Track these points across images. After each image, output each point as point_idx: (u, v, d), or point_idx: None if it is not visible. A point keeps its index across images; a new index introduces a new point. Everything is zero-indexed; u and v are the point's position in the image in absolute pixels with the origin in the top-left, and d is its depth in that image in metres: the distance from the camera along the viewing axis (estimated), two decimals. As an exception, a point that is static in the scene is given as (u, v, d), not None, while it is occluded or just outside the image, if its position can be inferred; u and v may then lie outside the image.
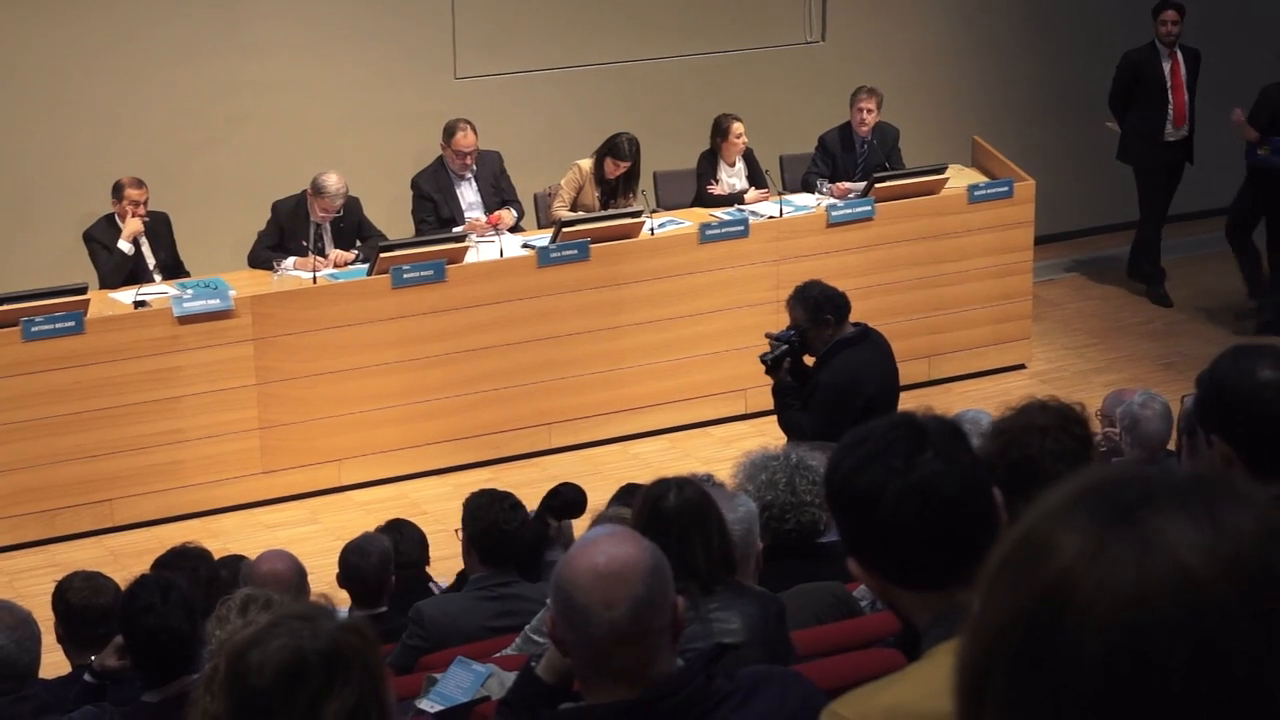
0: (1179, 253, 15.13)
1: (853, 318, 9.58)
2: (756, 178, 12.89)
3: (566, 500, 8.10)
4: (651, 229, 11.96)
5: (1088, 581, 1.42)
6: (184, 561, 7.29)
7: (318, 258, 11.40)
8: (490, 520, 7.21)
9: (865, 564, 2.83)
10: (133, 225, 11.33)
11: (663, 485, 5.32)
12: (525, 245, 11.81)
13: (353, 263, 11.56)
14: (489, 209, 12.23)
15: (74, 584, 6.94)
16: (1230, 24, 15.67)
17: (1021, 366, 13.06)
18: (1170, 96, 14.00)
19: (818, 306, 9.45)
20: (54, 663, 7.00)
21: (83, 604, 6.82)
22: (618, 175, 12.41)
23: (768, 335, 9.67)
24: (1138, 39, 14.15)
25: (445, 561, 9.08)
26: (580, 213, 12.25)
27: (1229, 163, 15.73)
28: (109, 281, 11.24)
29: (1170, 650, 1.39)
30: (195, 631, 5.66)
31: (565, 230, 11.70)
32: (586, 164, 12.47)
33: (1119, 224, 14.65)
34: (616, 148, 12.35)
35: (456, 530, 7.48)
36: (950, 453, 2.81)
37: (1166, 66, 14.02)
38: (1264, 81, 14.71)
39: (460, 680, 5.77)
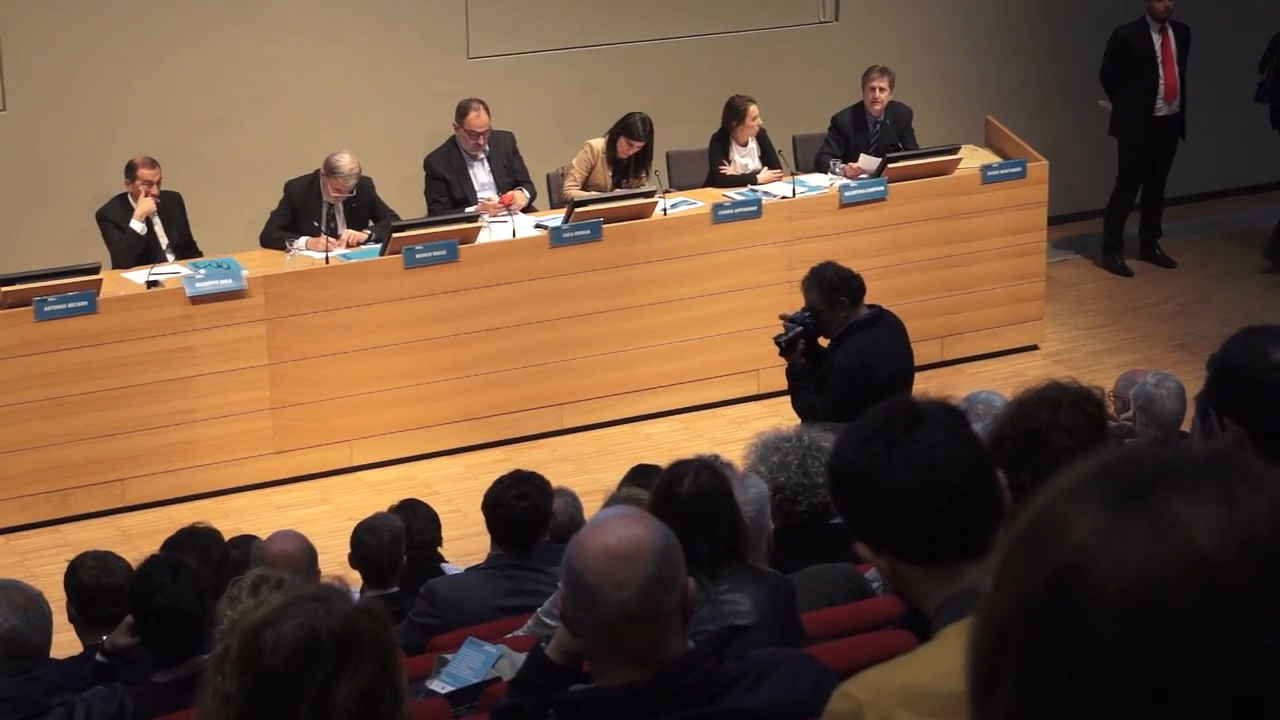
0: (1190, 234, 15.13)
1: (866, 299, 9.56)
2: (769, 158, 12.87)
3: None
4: (664, 209, 11.95)
5: (1101, 562, 1.41)
6: (194, 542, 7.30)
7: (330, 238, 11.41)
8: (494, 498, 7.23)
9: (872, 544, 2.84)
10: (145, 205, 11.33)
11: (681, 469, 5.31)
12: (538, 225, 11.80)
13: (365, 243, 11.56)
14: (501, 189, 12.22)
15: (85, 563, 6.95)
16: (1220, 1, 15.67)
17: (1034, 347, 13.04)
18: (1161, 71, 14.05)
19: (833, 288, 9.42)
20: (66, 642, 7.01)
21: (94, 583, 6.83)
22: (631, 155, 12.40)
23: (782, 317, 9.65)
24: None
25: (457, 542, 9.09)
26: (593, 192, 12.24)
27: (1232, 142, 15.76)
28: (121, 261, 11.24)
29: (1184, 631, 1.38)
30: (205, 612, 5.67)
31: (578, 210, 11.68)
32: (598, 143, 12.46)
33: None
34: (630, 128, 12.34)
35: None
36: (949, 426, 2.84)
37: (1157, 41, 14.07)
38: (1252, 59, 14.76)
39: (471, 661, 5.77)
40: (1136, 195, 14.46)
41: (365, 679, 2.85)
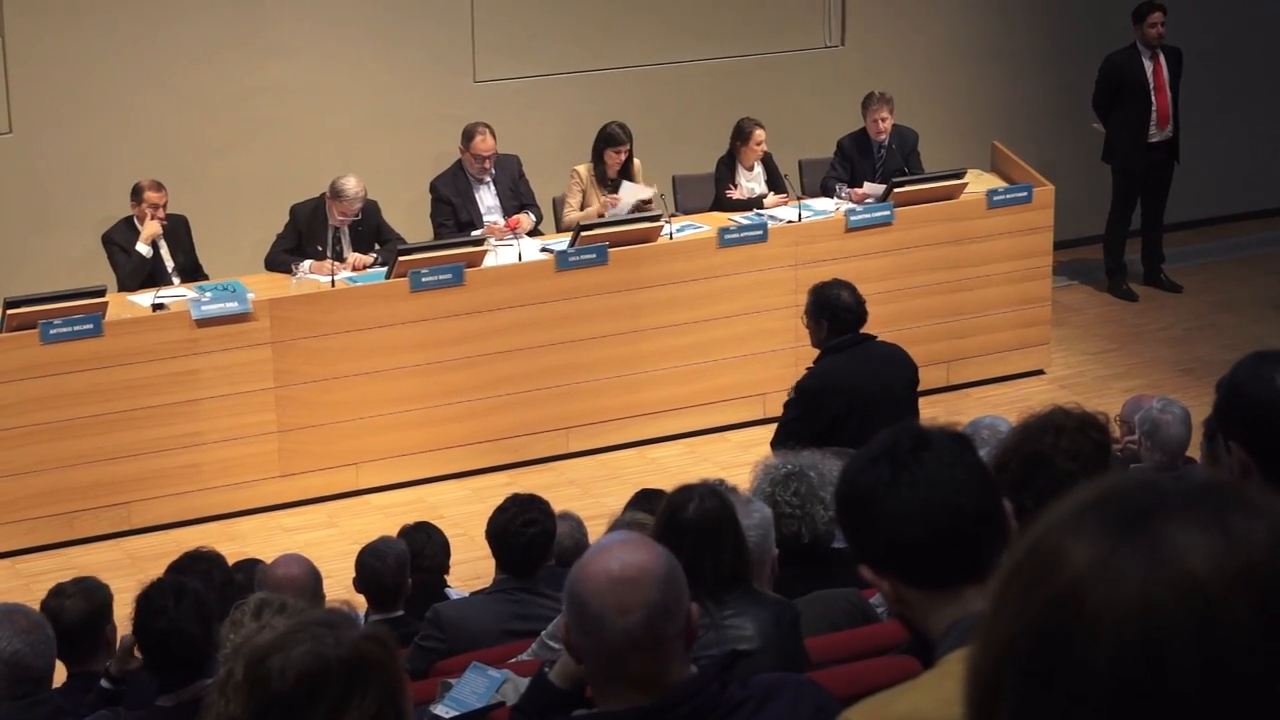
0: (1196, 259, 15.13)
1: (871, 323, 9.52)
2: (775, 182, 12.87)
3: None
4: (670, 233, 11.95)
5: (1098, 590, 1.41)
6: (197, 565, 7.29)
7: (335, 261, 11.41)
8: (502, 527, 7.22)
9: (876, 566, 2.83)
10: (151, 228, 11.34)
11: (686, 494, 5.29)
12: (544, 249, 11.81)
13: (371, 266, 11.57)
14: (507, 213, 12.22)
15: (45, 597, 6.86)
16: (1211, 22, 15.67)
17: (1041, 372, 13.03)
18: (1153, 98, 14.05)
19: (818, 307, 9.45)
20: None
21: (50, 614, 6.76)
22: (620, 165, 12.37)
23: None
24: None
25: (462, 566, 9.08)
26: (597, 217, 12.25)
27: (1237, 167, 15.77)
28: (127, 284, 11.24)
29: (1180, 660, 1.38)
30: (208, 635, 5.66)
31: (584, 234, 11.69)
32: (584, 169, 12.46)
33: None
34: (611, 137, 12.35)
35: None
36: (955, 451, 2.84)
37: (1149, 68, 14.07)
38: (1253, 79, 14.74)
39: (475, 686, 5.76)
40: (1132, 220, 14.46)
41: (372, 707, 2.84)
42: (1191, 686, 1.37)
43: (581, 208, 12.42)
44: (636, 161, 12.54)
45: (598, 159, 12.41)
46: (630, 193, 12.27)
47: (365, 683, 2.84)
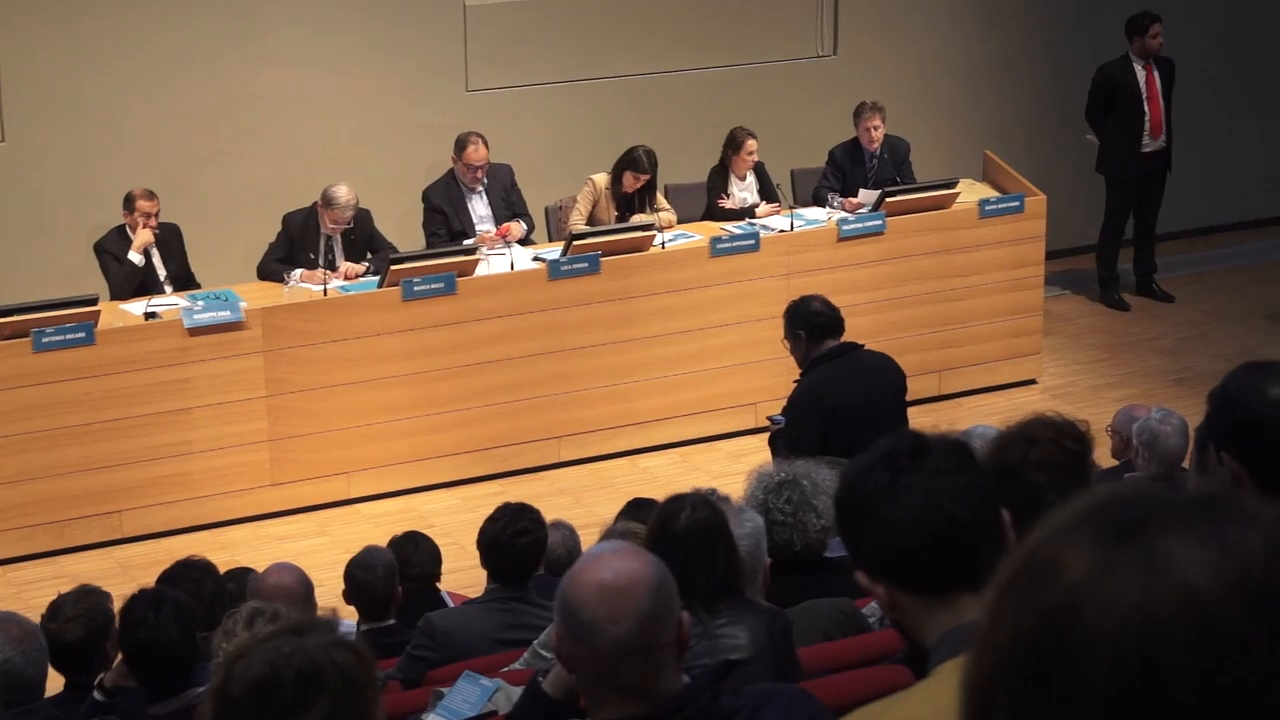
0: (1188, 269, 15.14)
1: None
2: (767, 191, 12.88)
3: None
4: (662, 242, 11.95)
5: (1094, 601, 1.41)
6: (189, 574, 7.29)
7: (328, 270, 11.41)
8: (493, 537, 7.22)
9: (871, 571, 2.83)
10: (144, 236, 11.33)
11: (677, 503, 5.30)
12: (536, 258, 11.80)
13: (363, 275, 11.56)
14: (500, 222, 12.22)
15: (45, 620, 6.83)
16: (1205, 32, 15.70)
17: (1032, 382, 13.03)
18: (1146, 108, 14.07)
19: (792, 322, 9.47)
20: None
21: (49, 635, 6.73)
22: (637, 189, 12.38)
23: (768, 418, 9.74)
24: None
25: (453, 575, 9.07)
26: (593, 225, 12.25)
27: (1229, 177, 15.78)
28: (120, 293, 11.24)
29: (1177, 670, 1.38)
30: (190, 643, 5.67)
31: (576, 243, 11.69)
32: (601, 179, 12.44)
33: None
34: (636, 161, 12.33)
35: None
36: (954, 458, 2.84)
37: (1141, 78, 14.09)
38: (1244, 89, 14.74)
39: (467, 695, 5.75)
40: (1125, 230, 14.48)
41: (322, 717, 2.86)
42: (1188, 697, 1.37)
43: (590, 218, 12.40)
44: (659, 194, 12.55)
45: (617, 176, 12.39)
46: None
47: (316, 694, 2.86)
